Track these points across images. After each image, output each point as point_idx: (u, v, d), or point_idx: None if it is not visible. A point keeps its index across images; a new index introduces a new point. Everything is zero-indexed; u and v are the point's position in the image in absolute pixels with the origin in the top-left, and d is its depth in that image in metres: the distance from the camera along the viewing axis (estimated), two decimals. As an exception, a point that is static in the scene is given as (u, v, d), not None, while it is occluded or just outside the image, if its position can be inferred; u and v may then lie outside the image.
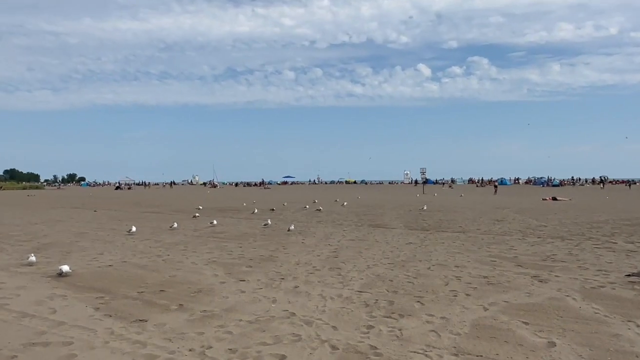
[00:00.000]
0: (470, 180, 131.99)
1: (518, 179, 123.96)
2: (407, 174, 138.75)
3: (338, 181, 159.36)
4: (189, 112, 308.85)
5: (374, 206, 34.96)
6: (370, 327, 7.57)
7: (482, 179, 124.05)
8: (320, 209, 30.69)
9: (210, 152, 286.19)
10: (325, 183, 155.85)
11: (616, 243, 15.46)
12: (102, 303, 8.92)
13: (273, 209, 31.28)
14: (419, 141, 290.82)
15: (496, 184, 76.40)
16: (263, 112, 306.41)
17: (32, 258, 12.85)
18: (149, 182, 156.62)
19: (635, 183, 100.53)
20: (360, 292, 9.51)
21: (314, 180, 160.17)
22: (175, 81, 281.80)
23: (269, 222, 21.77)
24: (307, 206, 33.80)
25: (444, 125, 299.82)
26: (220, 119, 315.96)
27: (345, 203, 37.33)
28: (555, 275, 10.89)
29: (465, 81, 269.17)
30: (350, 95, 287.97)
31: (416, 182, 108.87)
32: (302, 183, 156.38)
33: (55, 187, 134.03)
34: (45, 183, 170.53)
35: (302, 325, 7.64)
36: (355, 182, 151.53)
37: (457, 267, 11.92)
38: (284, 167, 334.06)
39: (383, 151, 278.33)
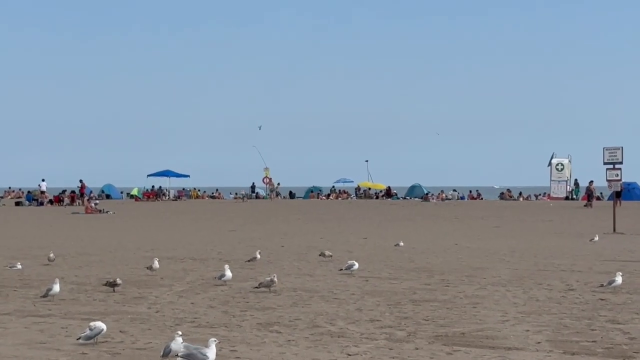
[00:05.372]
0: None
1: None
2: (559, 168, 54.68)
3: (332, 190, 61.61)
4: None
5: (451, 273, 13.74)
6: None
7: None
8: (271, 282, 11.29)
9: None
10: (291, 196, 63.65)
11: None
12: None
13: (114, 285, 11.40)
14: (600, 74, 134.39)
15: None
16: None
17: None
18: None
19: None
20: None
21: (252, 189, 63.15)
22: None
23: (94, 338, 7.33)
24: (227, 273, 12.09)
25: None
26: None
27: (354, 266, 13.55)
28: None
29: None
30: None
31: (590, 194, 43.72)
32: (221, 196, 62.73)
33: None
34: None
35: None
36: (390, 193, 58.40)
37: None
38: (171, 150, 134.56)
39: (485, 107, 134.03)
